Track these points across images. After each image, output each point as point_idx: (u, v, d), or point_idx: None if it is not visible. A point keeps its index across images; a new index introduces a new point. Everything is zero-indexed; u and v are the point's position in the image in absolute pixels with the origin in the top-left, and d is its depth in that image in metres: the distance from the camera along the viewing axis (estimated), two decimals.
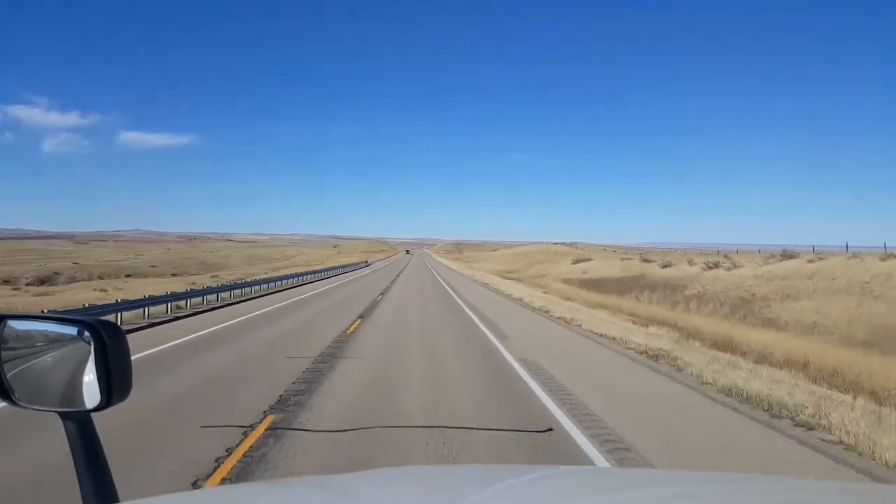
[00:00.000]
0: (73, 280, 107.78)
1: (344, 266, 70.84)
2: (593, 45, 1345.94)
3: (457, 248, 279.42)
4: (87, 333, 1.38)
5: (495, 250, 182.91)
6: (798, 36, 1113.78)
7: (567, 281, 46.32)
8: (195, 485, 5.02)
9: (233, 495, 1.65)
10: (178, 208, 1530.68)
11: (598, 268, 51.68)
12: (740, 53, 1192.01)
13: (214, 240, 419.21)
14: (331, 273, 56.39)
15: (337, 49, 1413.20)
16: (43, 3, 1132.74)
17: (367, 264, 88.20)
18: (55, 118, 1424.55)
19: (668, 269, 42.90)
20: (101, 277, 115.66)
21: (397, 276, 53.02)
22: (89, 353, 1.36)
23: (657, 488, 1.52)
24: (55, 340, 1.48)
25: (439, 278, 50.19)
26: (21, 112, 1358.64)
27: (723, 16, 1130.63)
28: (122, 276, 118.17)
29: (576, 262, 62.12)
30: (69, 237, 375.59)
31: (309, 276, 48.18)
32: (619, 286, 42.49)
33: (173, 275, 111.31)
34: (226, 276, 77.07)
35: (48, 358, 1.49)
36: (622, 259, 56.76)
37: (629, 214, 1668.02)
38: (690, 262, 43.32)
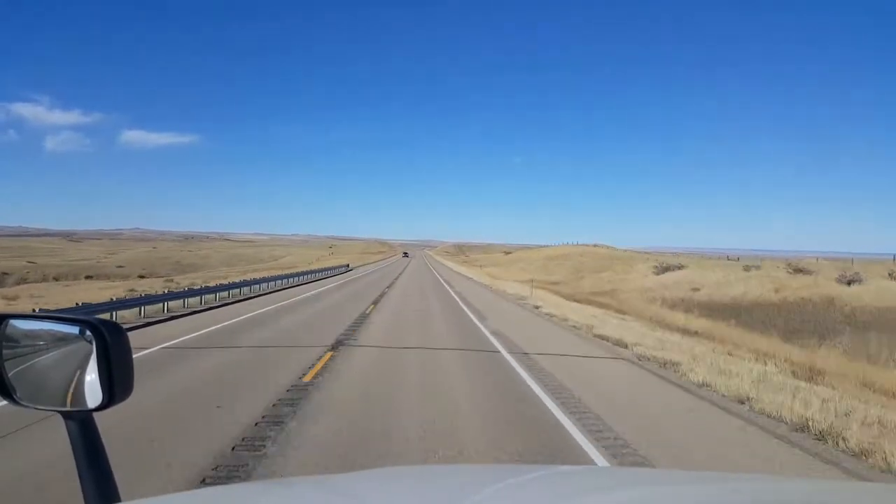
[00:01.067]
0: (23, 281, 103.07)
1: (317, 271, 51.81)
2: (593, 44, 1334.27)
3: (460, 251, 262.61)
4: (88, 333, 1.36)
5: (508, 253, 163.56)
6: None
7: (674, 306, 28.90)
8: None
9: (233, 495, 1.58)
10: (179, 208, 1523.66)
11: (716, 282, 33.59)
12: (740, 53, 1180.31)
13: (213, 239, 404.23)
14: (287, 283, 37.85)
15: (337, 49, 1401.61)
16: (45, 2, 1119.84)
17: (347, 269, 64.27)
18: (58, 116, 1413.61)
19: (857, 288, 25.65)
20: (56, 279, 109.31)
21: (377, 300, 25.34)
22: (91, 352, 1.34)
23: (657, 488, 1.48)
24: (57, 340, 1.45)
25: (474, 318, 19.58)
26: (24, 110, 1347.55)
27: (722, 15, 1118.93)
28: (81, 277, 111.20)
29: (660, 271, 43.67)
30: (67, 235, 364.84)
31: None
32: (786, 318, 25.31)
33: (140, 276, 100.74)
34: (183, 281, 63.48)
35: (50, 357, 1.46)
36: (745, 269, 38.39)
37: (631, 217, 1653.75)
38: (892, 275, 26.01)
